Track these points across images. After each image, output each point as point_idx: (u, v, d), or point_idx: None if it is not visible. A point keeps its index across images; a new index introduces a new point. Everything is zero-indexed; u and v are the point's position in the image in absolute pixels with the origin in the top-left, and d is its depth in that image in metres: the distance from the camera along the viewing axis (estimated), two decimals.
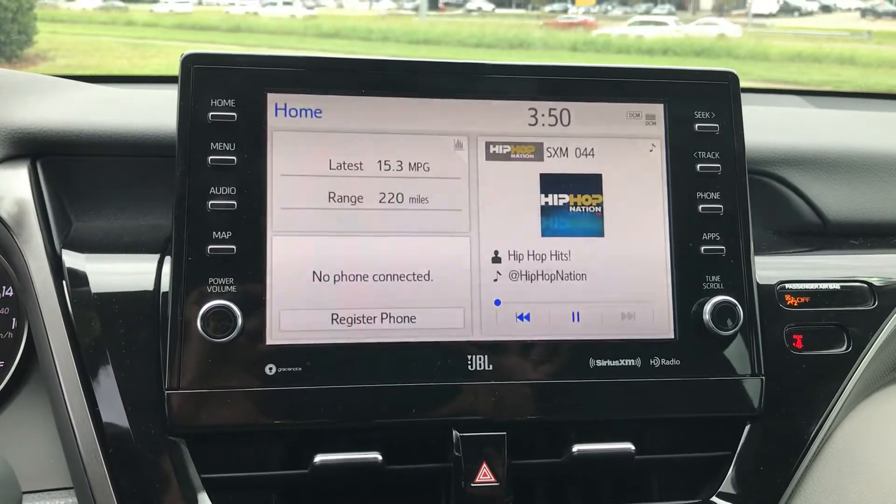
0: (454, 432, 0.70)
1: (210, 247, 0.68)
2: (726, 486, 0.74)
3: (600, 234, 0.74)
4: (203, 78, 0.70)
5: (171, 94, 0.79)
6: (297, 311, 0.69)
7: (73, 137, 0.79)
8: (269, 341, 0.68)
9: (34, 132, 0.79)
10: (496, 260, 0.72)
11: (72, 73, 0.99)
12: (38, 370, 0.75)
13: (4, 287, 0.78)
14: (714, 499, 0.74)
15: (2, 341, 0.77)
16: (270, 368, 0.68)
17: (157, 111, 0.83)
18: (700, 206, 0.75)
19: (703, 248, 0.74)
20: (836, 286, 0.81)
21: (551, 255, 0.73)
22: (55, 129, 0.79)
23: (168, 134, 0.78)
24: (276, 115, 0.71)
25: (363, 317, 0.70)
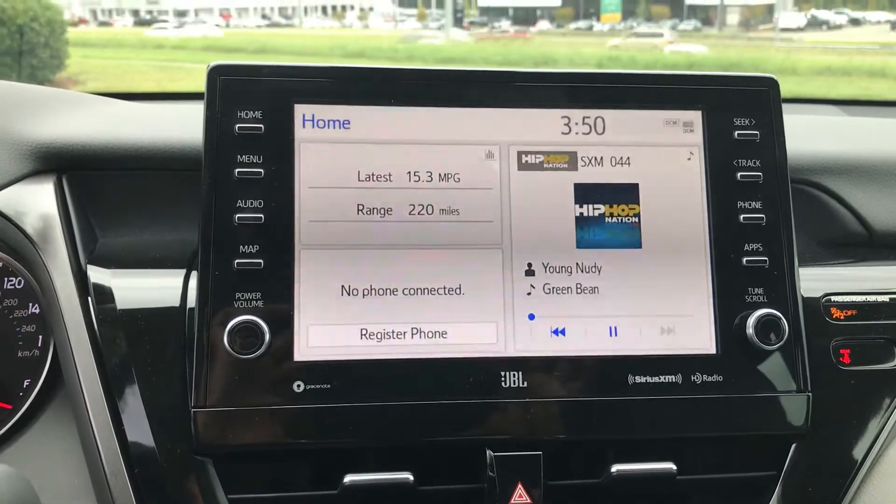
0: (488, 451, 0.67)
1: (237, 261, 0.67)
2: None
3: (638, 245, 0.71)
4: (230, 89, 0.69)
5: (197, 109, 0.78)
6: (325, 327, 0.67)
7: (98, 152, 0.78)
8: (297, 357, 0.66)
9: (60, 147, 0.78)
10: (530, 273, 0.70)
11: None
12: (64, 388, 0.74)
13: (31, 304, 0.77)
14: None
15: (28, 359, 0.76)
16: (298, 385, 0.66)
17: (183, 125, 0.82)
18: (741, 216, 0.72)
19: (745, 259, 0.71)
20: (885, 298, 0.78)
21: (587, 267, 0.71)
22: (81, 144, 0.78)
23: (194, 147, 0.77)
24: (304, 126, 0.70)
25: (393, 332, 0.68)
